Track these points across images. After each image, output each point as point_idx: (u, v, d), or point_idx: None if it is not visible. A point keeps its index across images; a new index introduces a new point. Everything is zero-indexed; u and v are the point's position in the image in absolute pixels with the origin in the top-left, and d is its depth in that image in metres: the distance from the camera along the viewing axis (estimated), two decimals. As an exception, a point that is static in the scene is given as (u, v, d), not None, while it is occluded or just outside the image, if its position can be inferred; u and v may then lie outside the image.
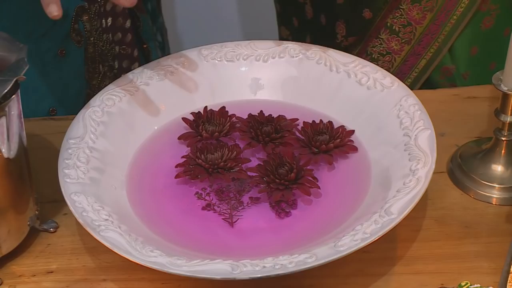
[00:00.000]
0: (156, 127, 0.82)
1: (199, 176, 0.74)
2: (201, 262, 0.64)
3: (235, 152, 0.76)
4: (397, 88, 0.80)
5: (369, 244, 0.65)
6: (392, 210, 0.67)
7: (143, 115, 0.82)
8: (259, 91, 0.86)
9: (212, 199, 0.73)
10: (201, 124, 0.80)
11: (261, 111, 0.80)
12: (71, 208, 0.69)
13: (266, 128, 0.78)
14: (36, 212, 0.75)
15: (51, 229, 0.76)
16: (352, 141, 0.78)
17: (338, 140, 0.77)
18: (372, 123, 0.79)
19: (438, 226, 0.75)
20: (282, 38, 1.09)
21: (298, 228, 0.71)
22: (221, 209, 0.72)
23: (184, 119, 0.81)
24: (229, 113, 0.81)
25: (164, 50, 1.12)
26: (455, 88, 0.94)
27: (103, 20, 0.99)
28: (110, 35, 1.00)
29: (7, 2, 0.88)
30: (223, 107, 0.82)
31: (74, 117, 0.80)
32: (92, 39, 0.97)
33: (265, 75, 0.86)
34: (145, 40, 1.05)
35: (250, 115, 0.80)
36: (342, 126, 0.79)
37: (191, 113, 0.81)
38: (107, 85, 0.83)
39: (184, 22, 1.61)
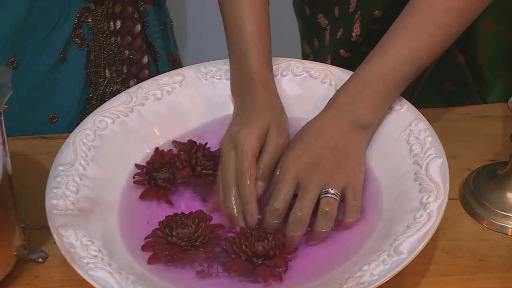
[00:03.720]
0: (149, 151, 0.77)
1: (174, 257, 0.66)
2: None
3: (208, 222, 0.69)
4: (407, 111, 0.75)
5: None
6: (402, 249, 0.62)
7: (137, 138, 0.77)
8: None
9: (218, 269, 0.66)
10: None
11: None
12: (58, 244, 0.65)
13: None
14: (23, 242, 0.71)
15: (39, 259, 0.72)
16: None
17: None
18: (379, 149, 0.74)
19: (449, 258, 0.71)
20: (304, 54, 1.04)
21: (302, 264, 0.67)
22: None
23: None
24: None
25: (169, 44, 1.06)
26: (467, 107, 0.89)
27: (111, 23, 0.95)
28: (119, 38, 0.96)
29: (10, 6, 0.84)
30: None
31: (66, 136, 0.76)
32: (97, 42, 0.93)
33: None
34: (151, 39, 1.01)
35: None
36: None
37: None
38: (114, 90, 0.78)
39: (192, 15, 1.55)
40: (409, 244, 0.63)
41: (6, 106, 0.60)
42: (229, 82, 0.81)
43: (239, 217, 0.69)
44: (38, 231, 0.74)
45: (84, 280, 0.68)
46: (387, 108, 0.74)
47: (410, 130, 0.73)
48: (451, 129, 0.84)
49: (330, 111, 0.73)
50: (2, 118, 0.63)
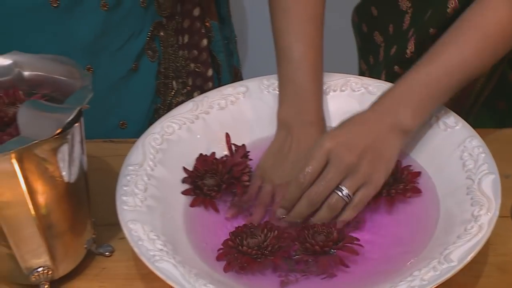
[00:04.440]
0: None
1: (245, 265, 0.69)
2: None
3: (275, 232, 0.71)
4: (461, 128, 0.78)
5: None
6: (452, 257, 0.65)
7: (202, 144, 0.82)
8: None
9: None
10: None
11: None
12: (127, 236, 0.69)
13: None
14: (93, 235, 0.76)
15: (107, 253, 0.77)
16: (416, 183, 0.75)
17: (401, 185, 0.75)
18: (433, 163, 0.77)
19: (499, 274, 0.73)
20: (361, 71, 1.07)
21: (354, 268, 0.69)
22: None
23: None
24: None
25: (232, 58, 1.11)
26: (520, 128, 0.91)
27: (180, 37, 1.00)
28: (186, 52, 1.01)
29: (87, 17, 0.90)
30: None
31: (132, 141, 0.81)
32: (167, 54, 0.99)
33: (326, 107, 0.85)
34: (214, 53, 1.06)
35: None
36: (408, 167, 0.77)
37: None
38: (180, 101, 0.82)
39: (254, 31, 1.59)
40: (459, 253, 0.65)
41: (88, 106, 0.66)
42: None
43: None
44: (105, 228, 0.78)
45: (147, 274, 0.73)
46: (428, 117, 0.76)
47: (464, 147, 0.76)
48: (504, 149, 0.85)
49: (372, 113, 0.75)
50: (82, 118, 0.68)
